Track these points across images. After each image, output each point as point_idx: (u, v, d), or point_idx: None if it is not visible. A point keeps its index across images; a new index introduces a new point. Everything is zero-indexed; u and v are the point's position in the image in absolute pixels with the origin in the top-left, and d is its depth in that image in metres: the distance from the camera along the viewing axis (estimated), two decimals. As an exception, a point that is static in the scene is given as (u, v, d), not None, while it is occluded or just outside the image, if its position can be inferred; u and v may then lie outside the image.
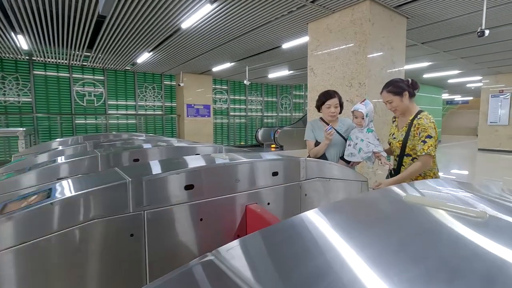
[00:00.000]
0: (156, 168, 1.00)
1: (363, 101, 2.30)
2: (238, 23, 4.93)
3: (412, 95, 2.05)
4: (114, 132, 8.90)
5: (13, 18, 4.65)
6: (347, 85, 4.35)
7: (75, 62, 8.54)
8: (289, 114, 14.81)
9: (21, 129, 3.20)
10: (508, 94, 9.94)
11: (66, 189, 0.85)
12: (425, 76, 10.38)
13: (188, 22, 4.77)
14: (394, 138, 2.15)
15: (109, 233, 0.82)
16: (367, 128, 2.23)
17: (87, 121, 9.54)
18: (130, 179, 0.85)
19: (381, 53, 4.24)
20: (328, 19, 4.51)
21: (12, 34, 5.51)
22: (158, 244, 0.89)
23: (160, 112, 10.85)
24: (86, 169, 1.49)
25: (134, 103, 10.29)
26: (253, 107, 13.43)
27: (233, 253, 0.40)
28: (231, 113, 12.67)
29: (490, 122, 10.42)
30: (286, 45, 6.29)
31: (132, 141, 2.62)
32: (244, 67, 8.79)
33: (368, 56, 4.08)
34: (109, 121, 9.87)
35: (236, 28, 5.19)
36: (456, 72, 9.84)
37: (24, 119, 8.45)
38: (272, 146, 12.13)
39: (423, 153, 1.83)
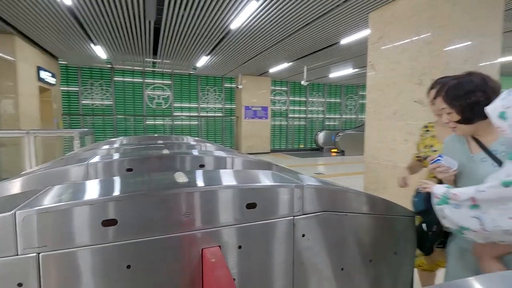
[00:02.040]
0: (75, 192, 0.78)
1: None
2: (289, 18, 4.58)
3: None
4: (160, 135, 9.50)
5: (88, 30, 5.25)
6: (416, 82, 3.59)
7: (147, 68, 9.39)
8: (354, 116, 13.67)
9: (77, 130, 3.50)
10: None
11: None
12: (535, 69, 8.21)
13: (236, 22, 4.65)
14: (436, 151, 1.65)
15: (-14, 281, 0.61)
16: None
17: (156, 122, 10.42)
18: (19, 211, 0.63)
19: (465, 40, 3.36)
20: (394, 4, 3.81)
21: (91, 45, 6.27)
22: (60, 298, 0.66)
23: (220, 114, 11.19)
24: (74, 177, 1.39)
25: (196, 105, 10.83)
26: (314, 108, 12.80)
27: None
28: (290, 115, 12.31)
29: None
30: (344, 41, 5.66)
31: (161, 146, 2.54)
32: (302, 67, 8.34)
33: (446, 45, 3.27)
34: (175, 123, 10.60)
35: (288, 24, 4.85)
36: None
37: (106, 120, 9.69)
38: (333, 150, 11.31)
39: None
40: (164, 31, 5.24)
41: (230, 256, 0.82)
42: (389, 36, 3.92)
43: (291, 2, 3.96)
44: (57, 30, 5.17)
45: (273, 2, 3.95)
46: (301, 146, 12.74)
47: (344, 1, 3.91)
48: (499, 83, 1.16)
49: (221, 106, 11.18)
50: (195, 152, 1.82)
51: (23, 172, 1.69)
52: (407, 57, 3.67)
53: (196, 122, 10.92)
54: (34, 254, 0.64)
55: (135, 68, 9.34)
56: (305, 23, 4.77)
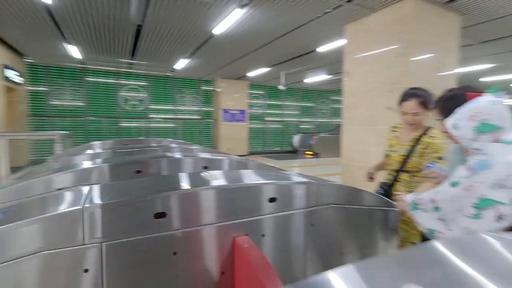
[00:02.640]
0: (126, 190, 0.88)
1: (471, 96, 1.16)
2: (271, 27, 4.79)
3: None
4: (141, 138, 9.34)
5: (65, 30, 5.07)
6: (388, 90, 3.94)
7: (122, 69, 9.14)
8: (327, 120, 14.25)
9: (60, 132, 3.41)
10: None
11: (17, 213, 0.76)
12: (484, 79, 9.20)
13: (220, 27, 4.76)
14: (394, 151, 1.91)
15: (57, 268, 0.70)
16: (475, 161, 1.06)
17: (131, 125, 10.14)
18: (87, 205, 0.73)
19: (430, 54, 3.77)
20: (368, 19, 4.15)
21: (64, 44, 6.03)
22: (119, 282, 0.76)
23: (197, 117, 11.15)
24: (87, 180, 1.44)
25: (173, 107, 10.70)
26: (290, 112, 13.17)
27: None
28: (266, 118, 12.56)
29: None
30: (321, 49, 5.99)
31: (153, 150, 2.60)
32: (280, 72, 8.62)
33: (413, 58, 3.65)
34: (150, 125, 10.39)
35: (269, 32, 5.06)
36: (524, 74, 8.54)
37: (77, 121, 9.26)
38: (307, 152, 11.72)
39: None
40: (146, 33, 5.21)
41: (256, 243, 0.95)
42: (363, 47, 4.26)
43: (273, 13, 4.17)
44: (28, 27, 4.94)
45: (257, 11, 4.12)
46: (278, 148, 13.04)
47: (323, 14, 4.18)
48: None
49: (198, 108, 11.14)
50: (195, 154, 1.92)
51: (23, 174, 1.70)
52: (380, 66, 4.02)
53: (173, 125, 10.79)
54: (98, 244, 0.74)
55: (109, 68, 9.05)
56: (286, 32, 5.01)
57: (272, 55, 6.72)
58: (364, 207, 1.20)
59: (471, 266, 0.45)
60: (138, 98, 10.11)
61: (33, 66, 8.41)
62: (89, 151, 2.77)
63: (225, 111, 10.72)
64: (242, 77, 10.12)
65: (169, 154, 1.78)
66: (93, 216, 0.73)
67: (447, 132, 1.17)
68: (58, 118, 8.95)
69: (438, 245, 0.52)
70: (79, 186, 0.95)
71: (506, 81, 9.57)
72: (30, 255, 0.67)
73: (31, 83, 8.43)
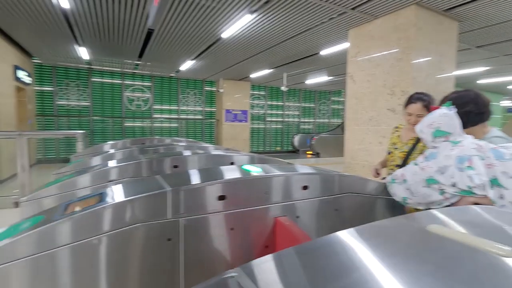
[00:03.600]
0: (192, 178, 1.08)
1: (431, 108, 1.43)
2: (278, 31, 5.00)
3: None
4: (157, 137, 9.50)
5: (77, 33, 5.25)
6: (389, 93, 4.16)
7: (127, 70, 9.31)
8: (327, 120, 14.49)
9: (81, 131, 3.59)
10: None
11: (115, 194, 0.96)
12: (480, 82, 9.48)
13: (228, 31, 4.96)
14: (396, 148, 2.14)
15: (149, 237, 0.91)
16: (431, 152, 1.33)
17: (135, 124, 10.31)
18: (170, 188, 0.93)
19: (428, 58, 3.99)
20: (370, 25, 4.38)
21: (75, 46, 6.21)
22: (192, 249, 0.96)
23: (200, 117, 11.34)
24: (132, 173, 1.64)
25: (177, 107, 10.89)
26: (290, 112, 13.39)
27: (257, 272, 0.44)
28: (267, 119, 12.77)
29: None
30: (324, 52, 6.21)
31: (174, 147, 2.79)
32: (282, 73, 8.83)
33: (412, 62, 3.87)
34: (154, 125, 10.56)
35: (275, 36, 5.27)
36: (518, 77, 8.82)
37: (83, 121, 9.42)
38: (308, 152, 11.95)
39: None
40: (156, 36, 5.40)
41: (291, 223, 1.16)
42: (366, 51, 4.48)
43: (282, 18, 4.38)
44: (42, 29, 5.11)
45: (265, 16, 4.33)
46: (278, 148, 13.25)
47: (329, 19, 4.40)
48: (489, 98, 1.45)
49: (201, 109, 11.33)
50: (220, 152, 2.12)
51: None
52: (381, 70, 4.24)
53: (176, 124, 10.97)
54: (178, 219, 0.94)
55: (114, 69, 9.22)
56: (292, 35, 5.22)
57: (276, 57, 6.94)
58: (376, 196, 1.42)
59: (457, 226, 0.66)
60: (143, 98, 10.28)
61: (40, 67, 8.56)
62: (111, 150, 2.97)
63: (228, 111, 10.92)
64: (245, 78, 10.33)
65: (200, 152, 1.98)
66: (175, 197, 0.94)
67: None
68: (64, 118, 9.11)
69: (434, 212, 0.71)
70: (153, 176, 1.16)
71: (501, 83, 9.85)
72: (130, 225, 0.88)
73: (38, 83, 8.59)
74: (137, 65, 8.36)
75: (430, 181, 1.24)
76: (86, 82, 9.36)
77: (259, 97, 12.42)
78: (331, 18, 4.36)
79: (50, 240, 0.79)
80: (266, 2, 3.87)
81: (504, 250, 0.43)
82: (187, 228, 0.95)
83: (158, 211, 0.92)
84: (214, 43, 5.77)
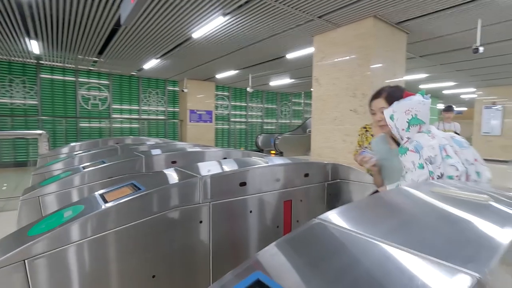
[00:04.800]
0: (216, 168, 1.19)
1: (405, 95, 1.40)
2: (248, 34, 5.17)
3: None
4: (132, 136, 9.10)
5: (31, 25, 4.83)
6: (351, 95, 4.58)
7: (82, 67, 8.70)
8: (289, 121, 15.06)
9: (41, 131, 3.36)
10: (500, 106, 10.30)
11: (147, 184, 1.03)
12: (422, 86, 10.72)
13: (199, 32, 5.00)
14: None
15: (184, 219, 1.01)
16: (400, 147, 1.34)
17: (92, 125, 9.66)
18: (200, 176, 1.04)
19: (383, 65, 4.49)
20: (334, 32, 4.77)
21: (26, 39, 5.68)
22: (218, 229, 1.08)
23: (163, 117, 11.02)
24: (130, 169, 1.67)
25: (137, 107, 10.44)
26: (254, 113, 13.66)
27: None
28: (232, 119, 12.88)
29: (484, 133, 10.76)
30: (290, 55, 6.54)
31: (159, 145, 2.80)
32: (247, 75, 9.03)
33: (371, 67, 4.33)
34: (113, 125, 10.00)
35: (245, 39, 5.43)
36: (451, 83, 10.19)
37: (30, 121, 8.56)
38: (272, 152, 12.32)
39: None
40: (122, 33, 5.21)
41: (296, 206, 1.34)
42: (330, 57, 4.87)
43: (253, 22, 4.55)
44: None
45: (237, 20, 4.47)
46: (242, 148, 13.42)
47: (296, 26, 4.69)
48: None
49: (164, 109, 11.02)
50: (208, 149, 2.22)
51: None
52: (344, 74, 4.66)
53: (137, 125, 10.52)
54: (208, 203, 1.06)
55: (68, 65, 8.55)
56: (260, 39, 5.43)
57: (243, 59, 7.10)
58: (362, 182, 1.66)
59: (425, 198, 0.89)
60: (100, 97, 9.68)
61: (-22, 60, 7.60)
62: (80, 151, 2.85)
63: (192, 111, 10.79)
64: (209, 79, 10.31)
65: (191, 149, 2.06)
66: (205, 184, 1.05)
67: (381, 120, 1.40)
68: (6, 118, 8.19)
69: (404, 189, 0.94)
70: (175, 167, 1.23)
71: (438, 88, 11.26)
72: (169, 210, 0.97)
73: (-25, 78, 7.62)
74: (95, 62, 7.88)
75: (420, 167, 1.22)
76: (34, 79, 8.53)
77: (223, 98, 12.47)
78: (298, 25, 4.65)
79: (102, 224, 0.85)
80: (239, 7, 4.01)
81: (484, 198, 0.65)
82: (214, 212, 1.07)
83: (192, 197, 1.02)
84: (183, 42, 5.73)
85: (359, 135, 2.64)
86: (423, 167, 1.22)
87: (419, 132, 1.29)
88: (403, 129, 1.30)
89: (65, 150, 3.11)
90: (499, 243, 0.44)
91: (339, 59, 4.72)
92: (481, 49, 4.27)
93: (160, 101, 10.90)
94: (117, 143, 3.48)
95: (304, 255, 0.45)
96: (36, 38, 5.57)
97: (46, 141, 3.21)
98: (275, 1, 3.79)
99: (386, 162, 1.45)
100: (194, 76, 9.81)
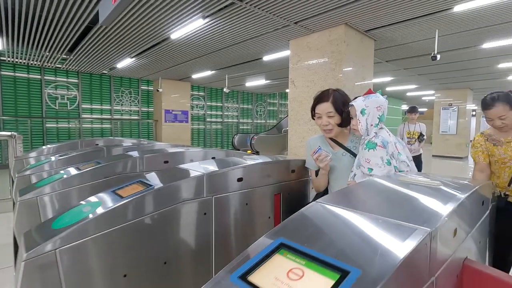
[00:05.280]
0: (215, 166, 1.32)
1: (366, 93, 1.44)
2: (227, 36, 5.28)
3: None
4: (110, 137, 8.79)
5: (-4, 20, 4.57)
6: (325, 97, 4.86)
7: (49, 64, 8.26)
8: (264, 121, 15.31)
9: (14, 133, 3.23)
10: (455, 107, 11.32)
11: (155, 180, 1.14)
12: (388, 89, 11.47)
13: (178, 33, 5.02)
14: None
15: (191, 211, 1.13)
16: (367, 141, 1.35)
17: (59, 125, 9.20)
18: (205, 172, 1.17)
19: (354, 69, 4.83)
20: (308, 37, 5.03)
21: (-11, 34, 5.34)
22: (220, 220, 1.22)
23: (136, 117, 10.75)
24: (122, 169, 1.75)
25: (109, 107, 10.10)
26: (229, 113, 13.74)
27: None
28: (207, 119, 12.86)
29: (442, 132, 11.75)
30: (266, 58, 6.74)
31: (144, 146, 2.84)
32: (224, 75, 9.11)
33: (343, 71, 4.64)
34: (83, 126, 9.60)
35: (224, 41, 5.53)
36: (414, 86, 11.02)
37: (-11, 122, 7.98)
38: (248, 151, 12.49)
39: None
40: (96, 32, 5.08)
41: (284, 199, 1.51)
42: (305, 60, 5.13)
43: (232, 26, 4.68)
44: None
45: (217, 23, 4.57)
46: (219, 148, 13.45)
47: (273, 30, 4.89)
48: None
49: (137, 109, 10.76)
50: (196, 149, 2.33)
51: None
52: (318, 78, 4.93)
53: (109, 125, 10.18)
54: (211, 197, 1.19)
55: (33, 62, 8.07)
56: (239, 41, 5.56)
57: (221, 60, 7.18)
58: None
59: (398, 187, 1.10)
60: (68, 96, 9.24)
61: None
62: (62, 153, 2.82)
63: (167, 111, 10.64)
64: (185, 78, 10.24)
65: (181, 150, 2.16)
66: (208, 179, 1.18)
67: (327, 125, 1.48)
68: (-37, 118, 7.57)
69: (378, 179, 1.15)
70: (181, 165, 1.34)
71: (402, 91, 12.09)
72: (179, 203, 1.10)
73: None
74: (64, 60, 7.53)
75: (388, 163, 1.29)
76: (-7, 76, 7.95)
77: (198, 98, 12.41)
78: (276, 29, 4.85)
79: (122, 217, 0.96)
80: (219, 10, 4.12)
81: (437, 183, 0.85)
82: (216, 204, 1.20)
83: (197, 191, 1.15)
84: (160, 42, 5.70)
85: None
86: (390, 163, 1.29)
87: (381, 128, 1.38)
88: (371, 125, 1.33)
89: (42, 152, 3.04)
90: (443, 212, 0.63)
91: (313, 63, 4.99)
92: (438, 56, 4.75)
93: (134, 101, 10.62)
94: (97, 144, 3.45)
95: (310, 224, 0.62)
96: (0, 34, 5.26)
97: (21, 142, 3.10)
98: (254, 7, 3.95)
99: (334, 162, 1.46)
100: (169, 75, 9.69)
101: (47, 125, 8.93)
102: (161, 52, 6.46)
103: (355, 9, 3.98)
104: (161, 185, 1.07)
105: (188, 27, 4.75)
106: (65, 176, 1.57)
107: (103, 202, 1.00)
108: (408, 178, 0.95)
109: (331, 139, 1.57)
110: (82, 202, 1.03)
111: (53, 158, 2.25)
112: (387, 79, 9.33)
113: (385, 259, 0.47)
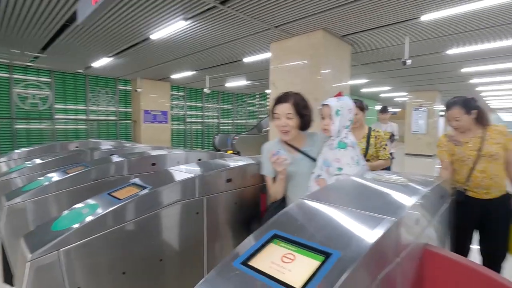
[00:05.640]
0: (206, 167, 1.40)
1: (337, 95, 1.49)
2: (208, 38, 5.31)
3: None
4: (93, 140, 8.48)
5: (-38, 15, 4.32)
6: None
7: (18, 62, 7.86)
8: (244, 121, 15.40)
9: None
10: (425, 108, 12.01)
11: (150, 183, 1.20)
12: (363, 90, 11.96)
13: (159, 33, 4.99)
14: None
15: (184, 211, 1.21)
16: (339, 141, 1.39)
17: (30, 126, 8.77)
18: (196, 175, 1.25)
19: (332, 71, 5.04)
20: (289, 41, 5.19)
21: (-47, 30, 5.02)
22: (211, 219, 1.30)
23: (114, 118, 10.46)
24: (117, 172, 1.78)
25: (85, 107, 9.76)
26: (210, 114, 13.70)
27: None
28: (188, 120, 12.75)
29: (413, 131, 12.42)
30: (247, 59, 6.84)
31: (122, 149, 2.84)
32: (204, 76, 9.09)
33: (322, 74, 4.83)
34: (56, 127, 9.21)
35: (205, 42, 5.56)
36: (387, 88, 11.57)
37: (-49, 123, 7.47)
38: (229, 151, 12.52)
39: (386, 157, 2.40)
40: (73, 30, 4.93)
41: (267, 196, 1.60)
42: (285, 62, 5.28)
43: (213, 28, 4.73)
44: None
45: (198, 25, 4.60)
46: (199, 149, 13.37)
47: (255, 33, 4.99)
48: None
49: (114, 109, 10.47)
50: (181, 151, 2.39)
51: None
52: (298, 80, 5.10)
53: (85, 126, 9.84)
54: (202, 197, 1.27)
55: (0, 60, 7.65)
56: (220, 43, 5.62)
57: (201, 61, 7.19)
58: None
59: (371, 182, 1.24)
60: (40, 96, 8.83)
61: None
62: (42, 156, 2.76)
63: (147, 112, 10.45)
64: (164, 78, 10.11)
65: (165, 152, 2.21)
66: (200, 180, 1.26)
67: (285, 126, 1.46)
68: None
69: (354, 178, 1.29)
70: (173, 167, 1.41)
71: (376, 92, 12.65)
72: (173, 203, 1.17)
73: None
74: (35, 57, 7.20)
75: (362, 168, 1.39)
76: (-44, 74, 7.45)
77: (178, 98, 12.27)
78: (257, 32, 4.96)
79: (121, 217, 1.02)
80: (201, 13, 4.16)
81: (402, 180, 0.99)
82: (208, 204, 1.29)
83: (190, 191, 1.22)
84: (140, 42, 5.63)
85: None
86: (359, 163, 1.36)
87: (349, 131, 1.45)
88: (343, 126, 1.38)
89: (17, 155, 2.95)
90: (407, 204, 0.76)
91: (293, 65, 5.15)
92: (408, 61, 5.07)
93: (111, 101, 10.33)
94: (77, 147, 3.39)
95: (297, 217, 0.72)
96: (-34, 30, 4.96)
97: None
98: (236, 11, 4.03)
99: (293, 167, 1.40)
100: (148, 75, 9.53)
101: (16, 126, 8.48)
102: (140, 52, 6.37)
103: (332, 15, 4.18)
104: (155, 187, 1.14)
105: (169, 28, 4.74)
106: (53, 179, 1.57)
107: (101, 205, 1.05)
108: (380, 176, 1.08)
109: (288, 143, 1.53)
110: (80, 205, 1.07)
111: (29, 163, 2.21)
112: (363, 81, 9.75)
113: (359, 243, 0.59)
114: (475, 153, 1.90)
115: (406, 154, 12.66)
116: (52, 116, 9.06)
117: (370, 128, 2.53)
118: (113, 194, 1.13)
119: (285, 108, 1.44)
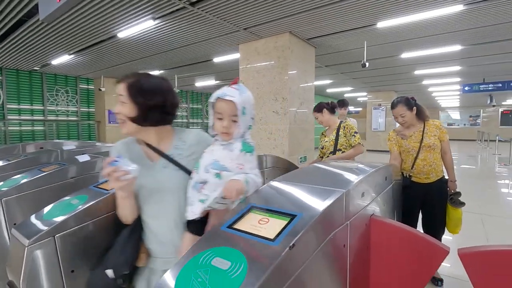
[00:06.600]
0: None
1: (233, 82, 1.13)
2: (177, 38, 5.33)
3: (332, 113, 2.88)
4: (56, 140, 7.88)
5: None
6: (273, 99, 5.28)
7: (-37, 58, 7.18)
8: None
9: None
10: (384, 107, 12.95)
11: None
12: (328, 90, 12.59)
13: (126, 32, 4.92)
14: (326, 141, 2.78)
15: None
16: (243, 143, 1.07)
17: (-22, 128, 8.04)
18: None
19: (297, 72, 5.33)
20: (257, 43, 5.38)
21: None
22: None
23: (75, 118, 9.94)
24: (93, 169, 1.83)
25: (42, 107, 9.17)
26: (179, 113, 13.51)
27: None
28: (156, 120, 12.46)
29: (373, 129, 13.33)
30: (217, 59, 6.93)
31: (93, 147, 2.83)
32: (173, 75, 9.00)
33: (288, 74, 5.09)
34: (9, 128, 8.54)
35: (174, 42, 5.57)
36: (350, 88, 12.31)
37: None
38: (200, 151, 12.45)
39: (357, 142, 2.69)
40: (31, 26, 4.68)
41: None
42: (253, 63, 5.47)
43: (182, 28, 4.77)
44: None
45: (167, 25, 4.62)
46: (168, 149, 13.13)
47: (224, 34, 5.12)
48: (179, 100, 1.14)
49: (76, 109, 9.95)
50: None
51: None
52: (266, 80, 5.32)
53: (42, 127, 9.24)
54: (183, 187, 1.39)
55: None
56: (189, 43, 5.66)
57: (170, 60, 7.14)
58: (286, 168, 2.20)
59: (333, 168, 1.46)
60: (-11, 95, 8.14)
61: None
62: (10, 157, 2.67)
63: (111, 112, 10.06)
64: (131, 77, 9.80)
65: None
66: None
67: (118, 113, 1.06)
68: None
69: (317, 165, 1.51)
70: None
71: (340, 92, 13.37)
72: (156, 193, 1.28)
73: None
74: (-15, 53, 6.64)
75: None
76: None
77: (145, 97, 11.95)
78: (226, 34, 5.09)
79: (110, 206, 1.11)
80: (170, 13, 4.20)
81: (355, 165, 1.21)
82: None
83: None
84: (105, 40, 5.48)
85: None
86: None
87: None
88: (247, 126, 1.07)
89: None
90: (354, 180, 0.97)
91: (261, 66, 5.36)
92: (367, 64, 5.53)
93: (72, 101, 9.80)
94: (41, 148, 3.29)
95: (269, 193, 0.90)
96: None
97: None
98: (206, 12, 4.13)
99: (146, 179, 1.02)
100: (113, 74, 9.19)
101: (-38, 128, 7.74)
102: (105, 50, 6.18)
103: (298, 20, 4.45)
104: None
105: (137, 27, 4.70)
106: (29, 177, 1.59)
107: (89, 196, 1.13)
108: (337, 162, 1.30)
109: (149, 145, 1.12)
110: (68, 197, 1.14)
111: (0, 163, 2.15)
112: (327, 81, 10.29)
113: (316, 207, 0.77)
114: (417, 145, 2.24)
115: (368, 150, 13.54)
116: (4, 117, 8.39)
117: (341, 122, 2.83)
118: (100, 186, 1.21)
119: (119, 90, 1.05)
